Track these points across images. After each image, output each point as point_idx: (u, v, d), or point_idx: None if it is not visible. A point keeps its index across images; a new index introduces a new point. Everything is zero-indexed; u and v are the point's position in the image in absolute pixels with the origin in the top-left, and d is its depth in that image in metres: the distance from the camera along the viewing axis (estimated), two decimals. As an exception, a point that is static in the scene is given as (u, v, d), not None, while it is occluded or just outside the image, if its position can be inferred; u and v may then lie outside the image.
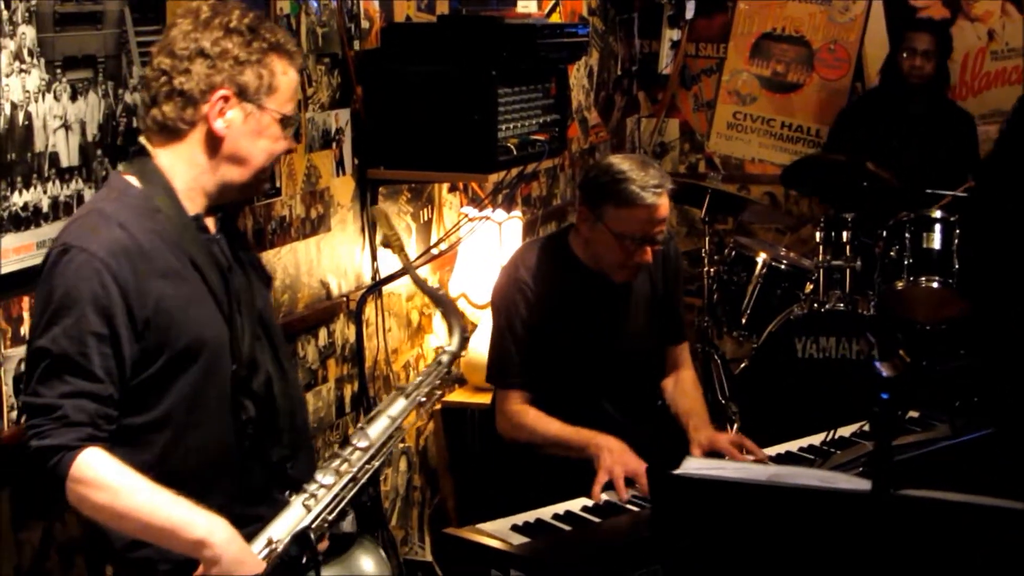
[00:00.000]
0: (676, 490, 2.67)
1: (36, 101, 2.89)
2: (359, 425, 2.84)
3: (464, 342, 3.06)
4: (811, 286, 5.64)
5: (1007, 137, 6.16)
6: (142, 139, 2.68)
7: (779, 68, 7.46)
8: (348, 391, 4.34)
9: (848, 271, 5.49)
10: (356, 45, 4.27)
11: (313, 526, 2.63)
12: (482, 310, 4.71)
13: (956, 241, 5.59)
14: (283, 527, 2.61)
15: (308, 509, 2.64)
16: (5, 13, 2.78)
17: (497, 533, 3.21)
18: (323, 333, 4.18)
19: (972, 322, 5.64)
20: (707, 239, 5.84)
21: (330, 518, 2.68)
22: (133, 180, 2.64)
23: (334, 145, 4.19)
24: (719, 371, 5.74)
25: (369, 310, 4.39)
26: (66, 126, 2.98)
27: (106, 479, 2.46)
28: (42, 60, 2.90)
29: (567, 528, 3.29)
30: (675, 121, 7.71)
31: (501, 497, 3.84)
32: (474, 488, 4.67)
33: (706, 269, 5.83)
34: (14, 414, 2.87)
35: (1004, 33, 7.10)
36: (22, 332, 2.88)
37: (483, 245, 4.86)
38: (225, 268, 2.70)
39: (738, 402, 5.46)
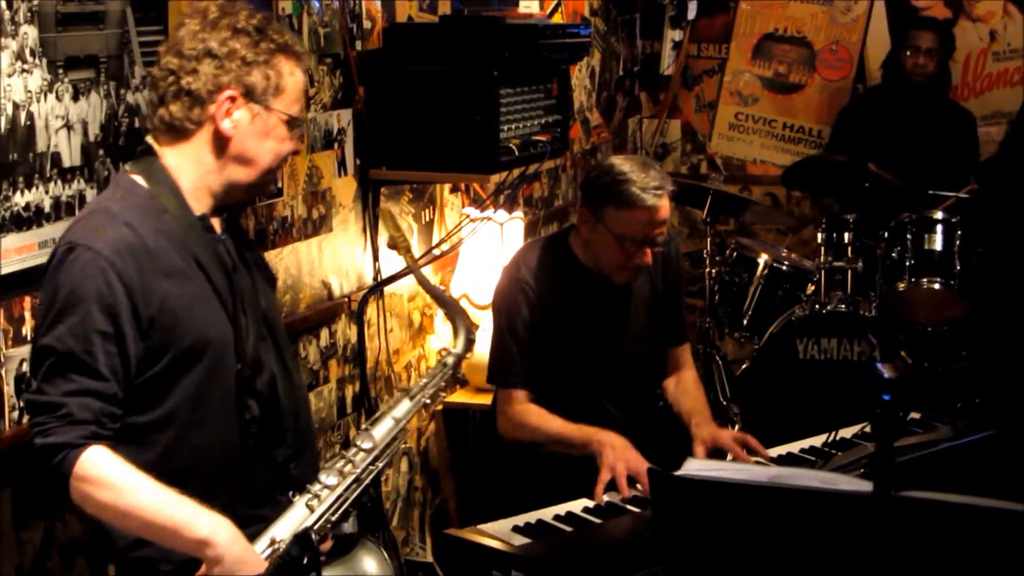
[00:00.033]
0: (677, 491, 2.66)
1: (38, 101, 2.89)
2: (363, 426, 2.84)
3: (469, 344, 3.07)
4: (812, 287, 5.64)
5: (1012, 137, 6.17)
6: (149, 138, 2.69)
7: (781, 69, 7.46)
8: (349, 392, 4.34)
9: (850, 272, 5.49)
10: (358, 45, 4.27)
11: (316, 527, 2.63)
12: (484, 311, 4.71)
13: (958, 242, 5.59)
14: (286, 527, 2.61)
15: (311, 510, 2.65)
16: (7, 13, 2.79)
17: (498, 534, 3.20)
18: (324, 333, 4.18)
19: (973, 323, 5.64)
20: (708, 240, 5.84)
21: (333, 519, 2.68)
22: (139, 179, 2.64)
23: (336, 145, 4.19)
24: (720, 372, 5.74)
25: (371, 310, 4.39)
26: (68, 126, 2.98)
27: (110, 477, 2.46)
28: (44, 60, 2.90)
29: (568, 529, 3.29)
30: (677, 122, 7.71)
31: (502, 498, 3.84)
32: (475, 489, 4.67)
33: (707, 270, 5.83)
34: (15, 414, 2.87)
35: (1006, 34, 7.10)
36: (24, 332, 2.88)
37: (485, 246, 4.86)
38: (230, 268, 2.70)
39: (739, 403, 5.47)
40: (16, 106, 2.83)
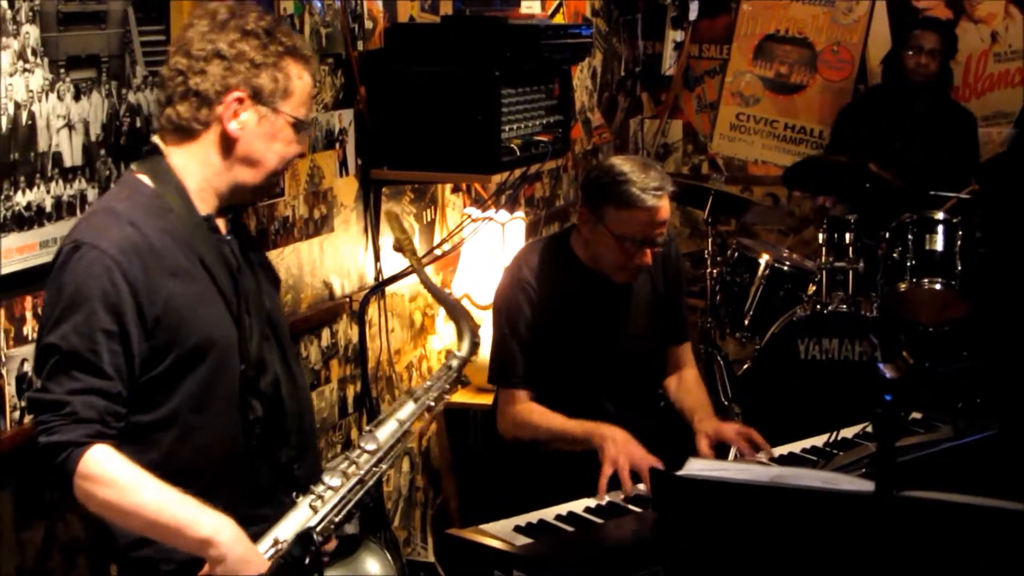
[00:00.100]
0: (679, 491, 2.66)
1: (39, 101, 2.89)
2: (367, 428, 2.85)
3: (474, 348, 3.07)
4: (814, 287, 5.63)
5: (1019, 139, 6.17)
6: (155, 138, 2.70)
7: (782, 69, 7.47)
8: (351, 392, 4.34)
9: (851, 273, 5.49)
10: (360, 45, 4.27)
11: (319, 528, 2.64)
12: (485, 311, 4.71)
13: (959, 243, 5.59)
14: (290, 528, 2.61)
15: (315, 510, 2.65)
16: (9, 12, 2.79)
17: (500, 534, 3.20)
18: (326, 333, 4.18)
19: (974, 324, 5.64)
20: (710, 240, 5.84)
21: (337, 520, 2.69)
22: (145, 179, 2.65)
23: (337, 145, 4.19)
24: (722, 372, 5.74)
25: (372, 311, 4.40)
26: (69, 126, 2.98)
27: (113, 476, 2.47)
28: (46, 60, 2.90)
29: (570, 529, 3.29)
30: (678, 122, 7.71)
31: (504, 498, 3.85)
32: (477, 489, 4.67)
33: (709, 270, 5.84)
34: (16, 414, 2.87)
35: (1007, 35, 7.10)
36: (25, 332, 2.88)
37: (486, 246, 4.86)
38: (235, 269, 2.70)
39: (741, 403, 5.47)
40: (18, 105, 2.82)
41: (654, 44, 7.55)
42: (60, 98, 2.95)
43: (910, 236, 5.62)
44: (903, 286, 5.59)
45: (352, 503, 2.72)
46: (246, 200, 2.86)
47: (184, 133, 2.66)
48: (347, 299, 4.27)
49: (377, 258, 4.43)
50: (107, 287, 2.49)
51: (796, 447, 3.83)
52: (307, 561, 2.52)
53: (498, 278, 4.03)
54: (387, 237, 4.44)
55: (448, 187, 4.99)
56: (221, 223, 2.74)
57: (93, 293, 2.48)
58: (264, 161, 2.69)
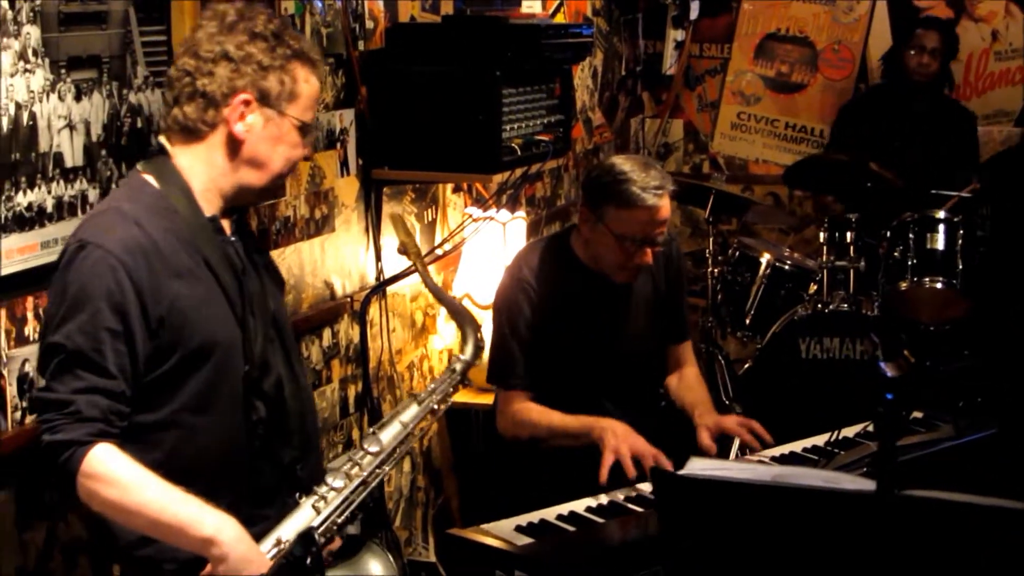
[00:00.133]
0: (680, 491, 2.66)
1: (40, 101, 2.89)
2: (371, 430, 2.85)
3: (478, 352, 3.09)
4: (815, 287, 5.64)
5: None
6: (162, 138, 2.71)
7: (783, 68, 7.47)
8: (352, 392, 4.34)
9: (852, 272, 5.49)
10: (360, 45, 4.27)
11: (321, 528, 2.64)
12: (486, 311, 4.71)
13: (960, 242, 5.59)
14: (292, 528, 2.62)
15: (317, 511, 2.66)
16: (10, 13, 2.79)
17: (501, 534, 3.20)
18: (327, 333, 4.18)
19: (975, 323, 5.64)
20: (711, 239, 5.84)
21: (339, 521, 2.69)
22: (151, 179, 2.66)
23: (338, 145, 4.19)
24: (723, 371, 5.74)
25: (373, 310, 4.40)
26: (70, 126, 2.98)
27: (116, 475, 2.47)
28: (47, 60, 2.90)
29: (571, 529, 3.29)
30: (679, 121, 7.71)
31: (505, 498, 3.85)
32: (478, 489, 4.67)
33: (710, 269, 5.84)
34: (18, 414, 2.87)
35: (1008, 33, 7.10)
36: (26, 332, 2.88)
37: (487, 245, 4.86)
38: (239, 270, 2.71)
39: (742, 403, 5.46)
40: (19, 106, 2.83)
41: (655, 43, 7.55)
42: (61, 98, 2.95)
43: (911, 235, 5.62)
44: (904, 285, 5.59)
45: (355, 504, 2.72)
46: (251, 201, 2.87)
47: (190, 134, 2.67)
48: (348, 299, 4.27)
49: (378, 258, 4.43)
50: (112, 286, 2.49)
51: (797, 446, 3.83)
52: (308, 561, 2.53)
53: (499, 278, 4.03)
54: (388, 237, 4.44)
55: (449, 187, 5.00)
56: (226, 224, 2.74)
57: (98, 292, 2.49)
58: (269, 163, 2.70)
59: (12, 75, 2.80)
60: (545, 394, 3.87)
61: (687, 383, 4.09)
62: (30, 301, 2.89)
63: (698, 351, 5.41)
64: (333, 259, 4.20)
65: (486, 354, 4.55)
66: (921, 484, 2.42)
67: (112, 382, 2.50)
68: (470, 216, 4.87)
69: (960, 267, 5.57)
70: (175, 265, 2.59)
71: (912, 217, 5.65)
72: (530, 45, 4.21)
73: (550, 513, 3.35)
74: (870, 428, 3.82)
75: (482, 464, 4.61)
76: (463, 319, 3.14)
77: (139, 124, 3.20)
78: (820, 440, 3.83)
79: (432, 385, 2.99)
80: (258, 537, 2.58)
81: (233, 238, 2.75)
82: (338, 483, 2.70)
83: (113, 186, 3.08)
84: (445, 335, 4.94)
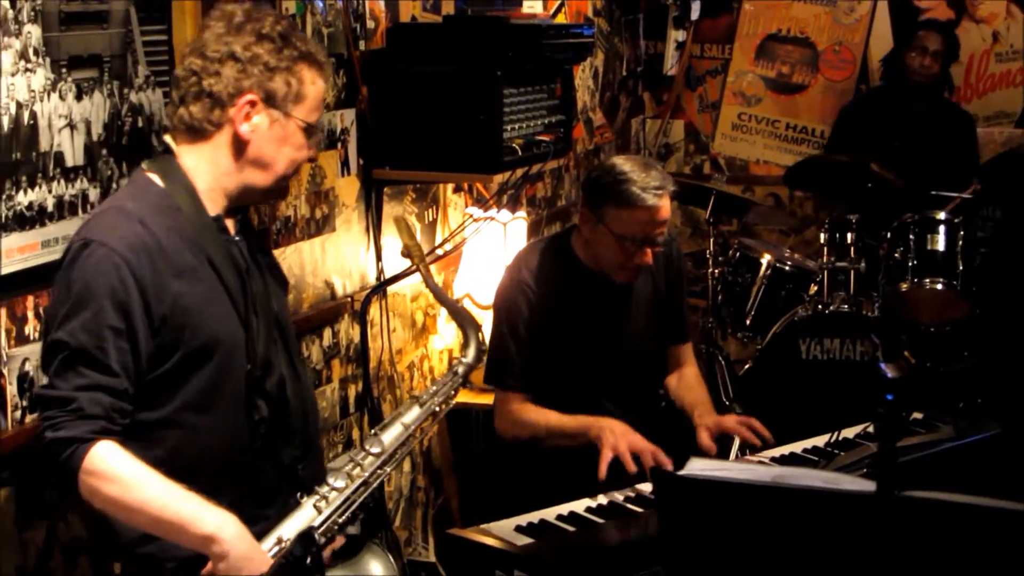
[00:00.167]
0: (680, 491, 2.66)
1: (41, 100, 2.89)
2: (373, 431, 2.86)
3: (480, 354, 3.11)
4: (815, 287, 5.64)
5: None
6: (167, 137, 2.71)
7: (784, 69, 7.46)
8: (352, 392, 4.34)
9: (852, 273, 5.49)
10: (361, 45, 4.27)
11: (322, 528, 2.65)
12: (486, 311, 4.71)
13: (960, 243, 5.59)
14: (293, 527, 2.63)
15: (319, 511, 2.66)
16: (11, 12, 2.79)
17: (501, 534, 3.21)
18: (327, 333, 4.18)
19: (976, 324, 5.64)
20: (711, 240, 5.85)
21: (340, 520, 2.70)
22: (155, 178, 2.67)
23: (339, 145, 4.19)
24: (723, 372, 5.74)
25: (373, 310, 4.40)
26: (71, 125, 2.99)
27: (118, 472, 2.48)
28: (47, 59, 2.90)
29: (571, 529, 3.29)
30: (680, 122, 7.71)
31: (505, 498, 3.85)
32: (478, 489, 4.68)
33: (710, 270, 5.84)
34: (18, 413, 2.87)
35: (1008, 35, 7.10)
36: (26, 332, 2.88)
37: (488, 246, 4.86)
38: (243, 269, 2.72)
39: (742, 403, 5.46)
40: (19, 105, 2.83)
41: (656, 44, 7.54)
42: (62, 98, 2.95)
43: (911, 236, 5.62)
44: (904, 286, 5.59)
45: (356, 504, 2.73)
46: (256, 201, 2.88)
47: (196, 133, 2.67)
48: (349, 299, 4.27)
49: (379, 258, 4.43)
50: (115, 284, 2.50)
51: (797, 447, 3.83)
52: (308, 561, 2.53)
53: (500, 278, 4.03)
54: (388, 237, 4.44)
55: (450, 187, 5.00)
56: (230, 224, 2.75)
57: (101, 290, 2.50)
58: (274, 164, 2.71)
59: (13, 74, 2.80)
60: (545, 394, 3.87)
61: (687, 383, 4.09)
62: (30, 300, 2.89)
63: (698, 352, 5.41)
64: (333, 259, 4.20)
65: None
66: (921, 485, 2.42)
67: (115, 380, 2.50)
68: (471, 216, 4.87)
69: (960, 268, 5.57)
70: (178, 264, 2.59)
71: (913, 218, 5.65)
72: (531, 45, 4.21)
73: (550, 513, 3.35)
74: (870, 429, 3.82)
75: (482, 464, 4.61)
76: (465, 322, 3.15)
77: (140, 123, 3.20)
78: (820, 441, 3.83)
79: (434, 387, 2.99)
80: (259, 536, 2.58)
81: (237, 238, 2.76)
82: (339, 483, 2.71)
83: (113, 186, 3.09)
84: (445, 335, 4.94)
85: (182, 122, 2.67)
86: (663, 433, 3.91)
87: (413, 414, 2.91)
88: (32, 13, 2.84)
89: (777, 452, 3.79)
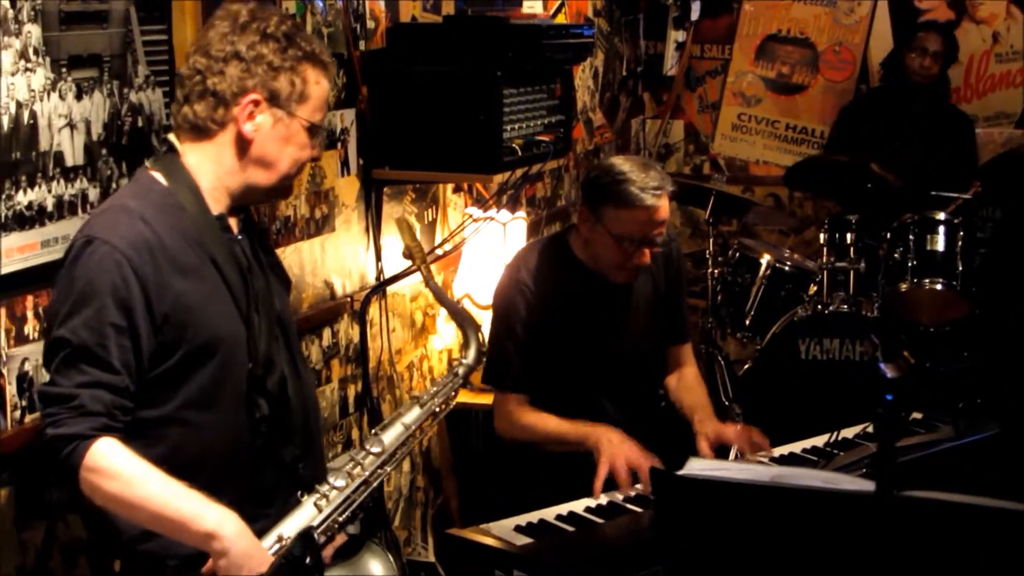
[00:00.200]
0: (679, 491, 2.66)
1: (41, 100, 2.89)
2: (373, 431, 2.86)
3: (481, 355, 3.12)
4: (815, 288, 5.64)
5: None
6: (171, 136, 2.72)
7: (784, 70, 7.47)
8: (352, 391, 4.34)
9: (852, 273, 5.49)
10: (361, 45, 4.28)
11: (322, 527, 2.65)
12: (486, 311, 4.71)
13: (960, 243, 5.59)
14: (294, 525, 2.64)
15: (319, 509, 2.67)
16: (11, 12, 2.79)
17: (500, 534, 3.21)
18: (327, 333, 4.18)
19: (975, 324, 5.64)
20: (711, 240, 5.85)
21: (340, 519, 2.70)
22: (159, 176, 2.68)
23: (339, 145, 4.20)
24: (723, 372, 5.74)
25: (373, 310, 4.40)
26: (71, 125, 2.99)
27: (119, 468, 2.48)
28: (47, 59, 2.90)
29: (570, 529, 3.29)
30: (680, 122, 7.71)
31: (504, 498, 3.85)
32: (477, 489, 4.68)
33: (710, 270, 5.84)
34: (17, 413, 2.87)
35: (1008, 35, 7.10)
36: (26, 331, 2.88)
37: (487, 246, 4.86)
38: (245, 268, 2.73)
39: (742, 403, 5.47)
40: (19, 105, 2.83)
41: (656, 44, 7.55)
42: (62, 97, 2.95)
43: (911, 236, 5.62)
44: (904, 286, 5.59)
45: (356, 504, 2.73)
46: (259, 201, 2.89)
47: (200, 132, 2.68)
48: (348, 299, 4.27)
49: (378, 258, 4.43)
50: (117, 282, 2.51)
51: (797, 447, 3.83)
52: (308, 561, 2.53)
53: (499, 278, 4.03)
54: (388, 237, 4.44)
55: (449, 187, 5.00)
56: (233, 222, 2.76)
57: (103, 288, 2.50)
58: (278, 163, 2.72)
59: (13, 74, 2.81)
60: (544, 394, 3.87)
61: (686, 384, 4.08)
62: (30, 300, 2.89)
63: (698, 352, 5.41)
64: (333, 259, 4.20)
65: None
66: (920, 485, 2.42)
67: (116, 377, 2.51)
68: (470, 216, 4.87)
69: (960, 268, 5.57)
70: (181, 262, 2.60)
71: (912, 218, 5.65)
72: (531, 45, 4.21)
73: (549, 513, 3.36)
74: (870, 429, 3.82)
75: (481, 464, 4.61)
76: (465, 323, 3.15)
77: (140, 123, 3.20)
78: (820, 441, 3.83)
79: (434, 388, 3.00)
80: (260, 534, 2.59)
81: (240, 236, 2.76)
82: (340, 482, 2.71)
83: (113, 185, 3.09)
84: (445, 335, 4.94)
85: (186, 121, 2.68)
86: (662, 433, 3.91)
87: (414, 414, 2.92)
88: (32, 13, 2.85)
89: (776, 452, 3.79)
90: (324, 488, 2.70)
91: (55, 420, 2.49)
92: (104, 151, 3.09)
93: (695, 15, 7.45)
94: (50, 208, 2.93)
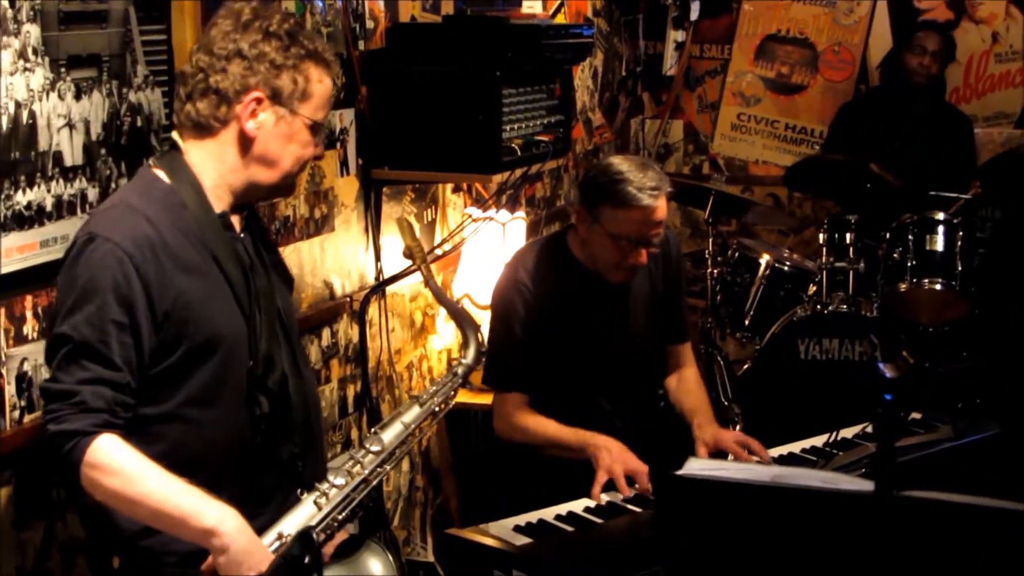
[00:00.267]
0: (678, 491, 2.66)
1: (40, 100, 2.89)
2: (373, 430, 2.86)
3: (480, 355, 3.11)
4: (814, 288, 5.64)
5: None
6: (174, 134, 2.73)
7: (783, 70, 7.47)
8: (351, 391, 4.34)
9: (851, 273, 5.49)
10: (361, 45, 4.27)
11: (321, 526, 2.65)
12: (485, 311, 4.71)
13: (959, 243, 5.60)
14: (294, 523, 2.64)
15: (319, 507, 2.67)
16: (10, 11, 2.79)
17: (499, 534, 3.21)
18: (326, 333, 4.18)
19: (975, 324, 5.64)
20: (710, 240, 5.84)
21: (340, 518, 2.70)
22: (162, 174, 2.68)
23: (338, 145, 4.19)
24: (722, 372, 5.74)
25: (372, 310, 4.40)
26: (70, 125, 2.98)
27: (120, 465, 2.49)
28: (46, 59, 2.90)
29: (569, 529, 3.29)
30: (679, 122, 7.71)
31: (503, 498, 3.85)
32: (476, 489, 4.67)
33: (709, 270, 5.84)
34: (16, 413, 2.87)
35: (1008, 35, 7.10)
36: (25, 331, 2.88)
37: (487, 246, 4.86)
38: (247, 266, 2.73)
39: (741, 403, 5.47)
40: (18, 105, 2.83)
41: (655, 44, 7.55)
42: (61, 97, 2.95)
43: (910, 236, 5.62)
44: (903, 286, 5.59)
45: (355, 502, 2.73)
46: (262, 198, 2.89)
47: (202, 130, 2.69)
48: (347, 299, 4.27)
49: (378, 258, 4.43)
50: (119, 279, 2.51)
51: (796, 447, 3.83)
52: (307, 560, 2.53)
53: (497, 278, 4.03)
54: (387, 237, 4.44)
55: (449, 187, 5.00)
56: (235, 220, 2.77)
57: (105, 285, 2.51)
58: (280, 161, 2.72)
59: (12, 74, 2.80)
60: (543, 394, 3.86)
61: (686, 386, 4.08)
62: (29, 300, 2.89)
63: (697, 352, 5.40)
64: (332, 259, 4.20)
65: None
66: (920, 485, 2.42)
67: (117, 374, 2.51)
68: (470, 216, 4.87)
69: (959, 268, 5.57)
70: (183, 260, 2.60)
71: (911, 218, 5.65)
72: (530, 45, 4.21)
73: (548, 513, 3.36)
74: (869, 429, 3.82)
75: (481, 464, 4.61)
76: (465, 322, 3.15)
77: (139, 123, 3.20)
78: (819, 441, 3.83)
79: (433, 387, 3.00)
80: (259, 531, 2.59)
81: (242, 234, 2.77)
82: (340, 480, 2.71)
83: (112, 185, 3.09)
84: (444, 335, 4.94)
85: (189, 118, 2.69)
86: (661, 433, 3.91)
87: (413, 413, 2.91)
88: (31, 12, 2.84)
89: (776, 452, 3.79)
90: (324, 486, 2.70)
91: (56, 416, 2.49)
92: (103, 151, 3.09)
93: (694, 15, 7.45)
94: (49, 208, 2.92)
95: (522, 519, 3.31)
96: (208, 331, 2.62)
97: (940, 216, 5.64)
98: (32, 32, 2.85)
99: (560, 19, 5.95)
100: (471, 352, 3.08)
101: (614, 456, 3.58)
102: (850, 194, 5.69)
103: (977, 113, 6.92)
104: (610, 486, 3.53)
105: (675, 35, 7.50)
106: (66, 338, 2.51)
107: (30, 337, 2.88)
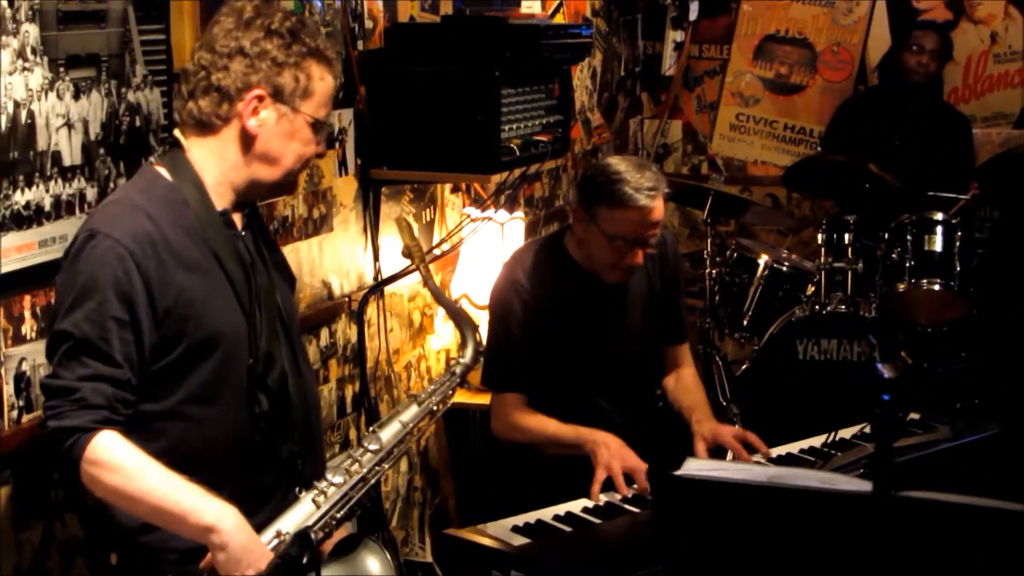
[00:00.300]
0: (677, 491, 2.66)
1: (39, 100, 2.89)
2: (371, 428, 2.86)
3: (478, 355, 3.11)
4: (813, 288, 5.64)
5: None
6: (176, 132, 2.73)
7: (782, 70, 7.47)
8: (349, 391, 4.34)
9: (850, 273, 5.49)
10: (360, 45, 4.27)
11: (320, 524, 2.65)
12: (483, 311, 4.71)
13: (958, 243, 5.60)
14: (292, 521, 2.64)
15: (317, 505, 2.67)
16: (8, 11, 2.79)
17: (497, 534, 3.21)
18: (325, 333, 4.18)
19: (973, 324, 5.64)
20: (709, 241, 5.84)
21: (338, 516, 2.70)
22: (163, 172, 2.68)
23: (337, 145, 4.19)
24: (720, 373, 5.74)
25: (371, 310, 4.39)
26: (69, 125, 2.98)
27: (120, 461, 2.49)
28: (45, 58, 2.90)
29: (568, 529, 3.29)
30: (678, 122, 7.71)
31: (502, 498, 3.85)
32: (475, 489, 4.67)
33: (708, 271, 5.84)
34: (15, 413, 2.87)
35: (1007, 36, 7.10)
36: (23, 331, 2.88)
37: (485, 246, 4.86)
38: (248, 264, 2.73)
39: (739, 404, 5.46)
40: (17, 104, 2.83)
41: (654, 44, 7.55)
42: (59, 97, 2.95)
43: (909, 237, 5.62)
44: (902, 287, 5.59)
45: (354, 501, 2.74)
46: (263, 196, 2.90)
47: (204, 127, 2.69)
48: (346, 299, 4.27)
49: (376, 258, 4.43)
50: (120, 276, 2.51)
51: (794, 447, 3.83)
52: (305, 560, 2.53)
53: (495, 279, 4.03)
54: (386, 237, 4.44)
55: (447, 187, 5.00)
56: (237, 218, 2.76)
57: (106, 281, 2.51)
58: (282, 159, 2.72)
59: (11, 73, 2.80)
60: (541, 394, 3.86)
61: (684, 385, 4.08)
62: (27, 300, 2.89)
63: (696, 352, 5.40)
64: (331, 259, 4.20)
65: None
66: (918, 485, 2.42)
67: (118, 371, 2.52)
68: (468, 216, 4.87)
69: (958, 269, 5.58)
70: (184, 257, 2.61)
71: (910, 219, 5.65)
72: (529, 45, 4.21)
73: (547, 513, 3.36)
74: (867, 429, 3.82)
75: (479, 464, 4.61)
76: (463, 322, 3.15)
77: (137, 123, 3.20)
78: (817, 441, 3.83)
79: (432, 387, 3.00)
80: (258, 529, 2.59)
81: (244, 232, 2.77)
82: (338, 479, 2.71)
83: (111, 185, 3.09)
84: (443, 335, 4.94)
85: (191, 116, 2.69)
86: (659, 433, 3.91)
87: (411, 412, 2.91)
88: (30, 12, 2.84)
89: (774, 452, 3.79)
90: (322, 484, 2.70)
91: (57, 412, 2.49)
92: (102, 151, 3.09)
93: (693, 15, 7.45)
94: (48, 208, 2.93)
95: (520, 519, 3.30)
96: (209, 329, 2.62)
97: (939, 216, 5.65)
98: (31, 32, 2.85)
99: (559, 19, 5.95)
100: (469, 352, 3.09)
101: (613, 452, 3.58)
102: (849, 194, 5.69)
103: (976, 113, 6.92)
104: (609, 485, 3.53)
105: (674, 35, 7.50)
106: (67, 334, 2.51)
107: (28, 337, 2.88)
